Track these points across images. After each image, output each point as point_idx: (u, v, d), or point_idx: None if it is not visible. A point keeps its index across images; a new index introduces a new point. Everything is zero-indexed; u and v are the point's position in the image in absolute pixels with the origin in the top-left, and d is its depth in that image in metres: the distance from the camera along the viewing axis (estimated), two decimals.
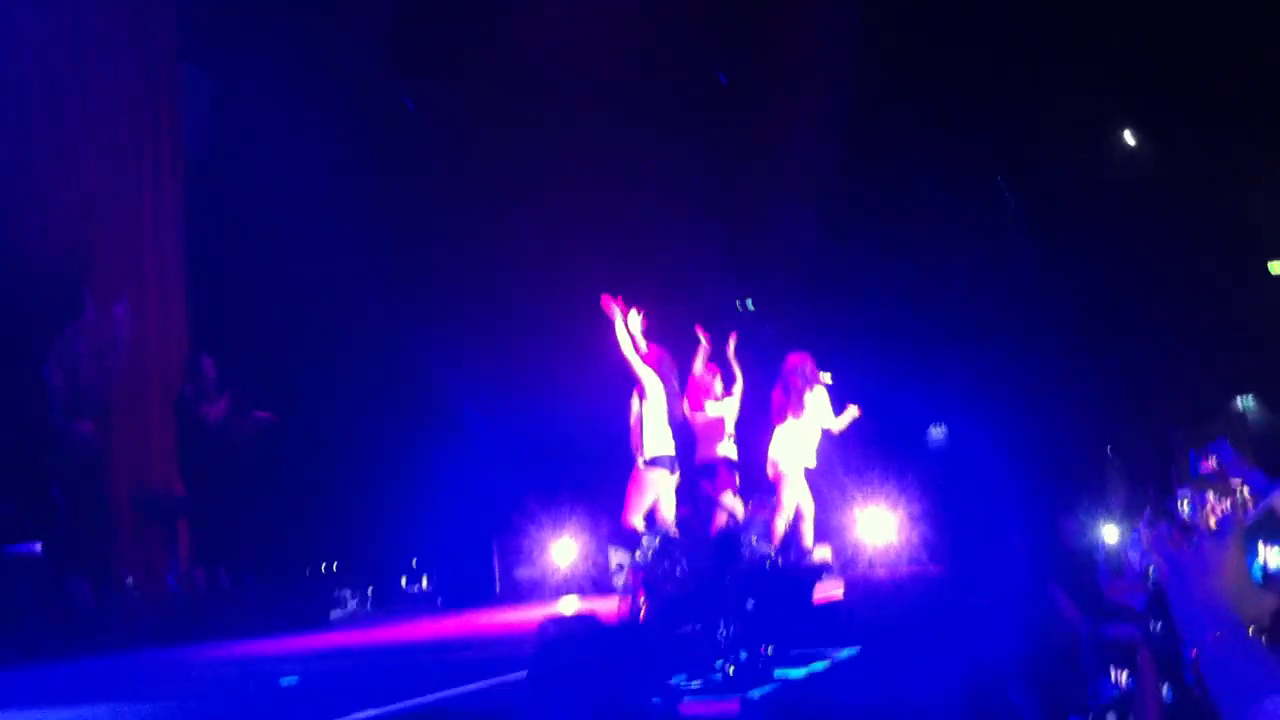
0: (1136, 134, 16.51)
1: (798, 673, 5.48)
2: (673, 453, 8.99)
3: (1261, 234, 16.03)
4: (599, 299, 8.91)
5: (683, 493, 9.23)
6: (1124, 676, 4.44)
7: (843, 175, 15.06)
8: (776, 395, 10.05)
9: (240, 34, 13.19)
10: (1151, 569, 2.98)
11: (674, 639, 5.68)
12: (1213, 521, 2.15)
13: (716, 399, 9.86)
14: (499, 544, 12.87)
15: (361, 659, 6.71)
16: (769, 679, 5.25)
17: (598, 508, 11.45)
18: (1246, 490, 2.86)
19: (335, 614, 11.56)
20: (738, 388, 9.97)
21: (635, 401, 9.01)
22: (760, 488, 9.93)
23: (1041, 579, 8.07)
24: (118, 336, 9.87)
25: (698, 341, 10.00)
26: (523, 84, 14.17)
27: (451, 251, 15.01)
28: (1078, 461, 16.80)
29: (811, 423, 9.99)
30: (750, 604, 5.75)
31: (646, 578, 6.15)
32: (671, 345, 9.45)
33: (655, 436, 8.87)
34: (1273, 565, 2.31)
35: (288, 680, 5.33)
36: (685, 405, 9.61)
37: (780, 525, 9.57)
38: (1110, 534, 11.69)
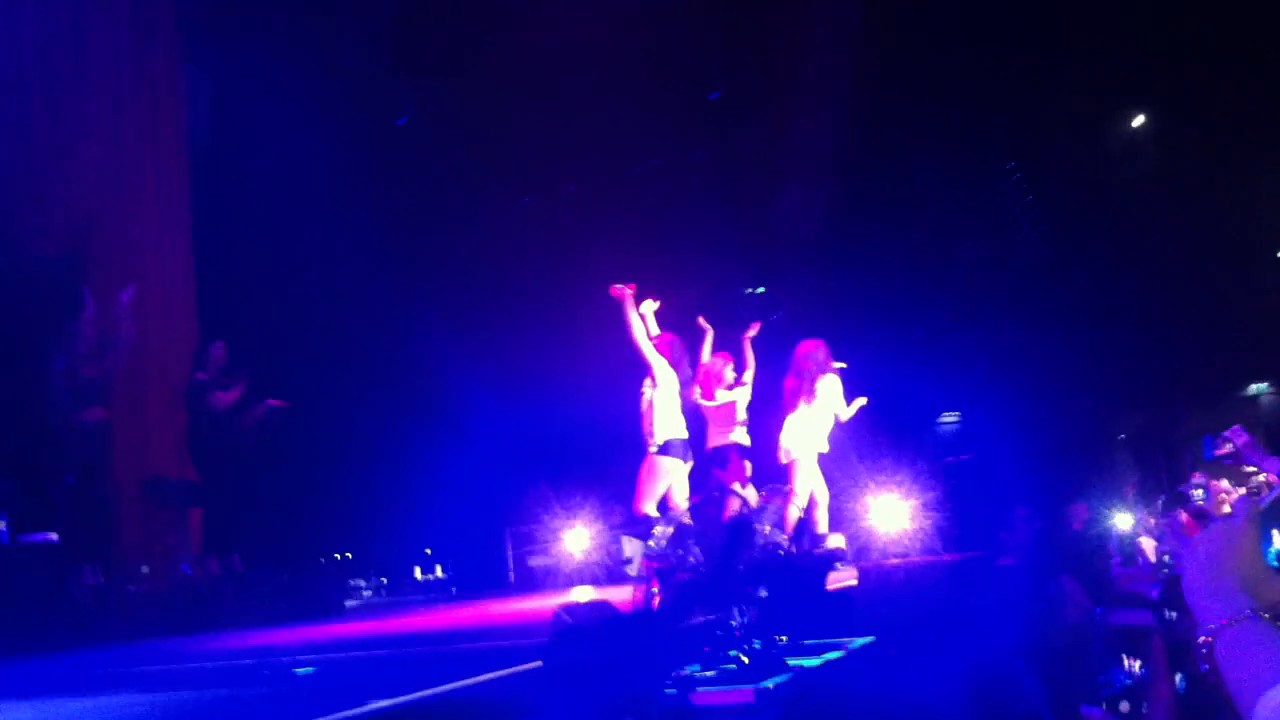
0: (1146, 116, 16.49)
1: (812, 662, 5.48)
2: (685, 440, 9.01)
3: (1275, 222, 16.01)
4: (611, 287, 8.92)
5: (695, 480, 9.24)
6: (1136, 666, 4.44)
7: (854, 163, 15.04)
8: (789, 382, 10.06)
9: (246, 31, 13.23)
10: (1167, 557, 2.98)
11: (687, 628, 5.68)
12: (1226, 507, 2.14)
13: (728, 386, 9.86)
14: (512, 533, 12.90)
15: (376, 648, 6.73)
16: (783, 668, 5.24)
17: (610, 496, 11.47)
18: (1261, 476, 2.86)
19: (350, 603, 11.60)
20: (749, 375, 9.97)
21: (647, 389, 9.02)
22: (773, 475, 9.94)
23: (1052, 567, 8.08)
24: (125, 326, 9.90)
25: (704, 330, 10.01)
26: (527, 75, 14.18)
27: (462, 240, 15.05)
28: (1090, 448, 16.79)
29: (824, 410, 10.00)
30: (763, 593, 5.76)
31: (659, 566, 6.16)
32: (682, 332, 9.47)
33: (667, 424, 8.88)
34: None
35: (303, 670, 5.35)
36: (697, 392, 9.62)
37: (793, 513, 9.57)
38: (1122, 521, 11.68)
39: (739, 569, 5.94)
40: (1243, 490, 2.72)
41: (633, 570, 9.98)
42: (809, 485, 9.81)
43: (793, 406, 9.95)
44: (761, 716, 4.74)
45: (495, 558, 13.11)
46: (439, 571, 14.05)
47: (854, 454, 10.72)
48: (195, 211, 12.43)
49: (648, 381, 8.96)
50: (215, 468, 10.26)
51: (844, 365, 10.08)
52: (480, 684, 4.41)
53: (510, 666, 4.55)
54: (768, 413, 10.15)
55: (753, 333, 10.14)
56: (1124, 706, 4.01)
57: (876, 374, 11.66)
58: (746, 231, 15.22)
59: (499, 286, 14.89)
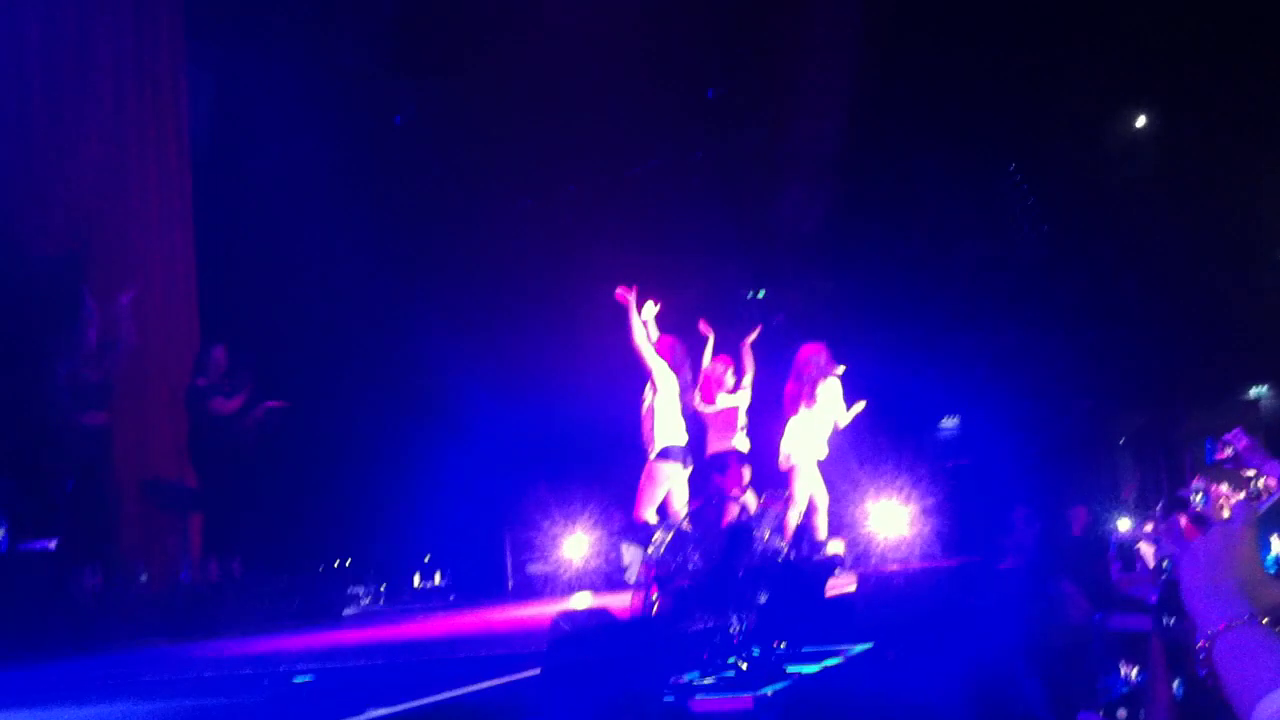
0: (1146, 117, 16.50)
1: (811, 669, 5.47)
2: (685, 445, 9.01)
3: (1275, 222, 16.01)
4: (611, 290, 8.93)
5: (695, 486, 9.24)
6: (1134, 672, 4.44)
7: (854, 163, 15.04)
8: (789, 387, 10.08)
9: (246, 31, 13.24)
10: (1166, 562, 2.97)
11: (686, 635, 5.67)
12: (1226, 512, 2.14)
13: (728, 391, 9.87)
14: (511, 539, 12.88)
15: (375, 656, 6.72)
16: (782, 675, 5.24)
17: (610, 502, 11.46)
18: (1262, 480, 2.85)
19: (349, 610, 11.58)
20: (749, 379, 9.98)
21: (648, 394, 9.03)
22: (772, 480, 9.94)
23: (1052, 569, 8.08)
24: (125, 328, 9.88)
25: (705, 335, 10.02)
26: (527, 75, 14.19)
27: (462, 240, 15.07)
28: (1090, 450, 16.79)
29: (824, 414, 10.01)
30: (763, 599, 5.75)
31: (659, 572, 6.15)
32: (682, 333, 9.48)
33: (667, 429, 8.89)
34: None
35: (302, 678, 5.34)
36: (697, 397, 9.62)
37: (793, 518, 9.57)
38: (1122, 525, 11.68)
39: (738, 575, 5.94)
40: (1242, 494, 2.71)
41: (631, 576, 9.98)
42: (809, 490, 9.83)
43: (793, 411, 9.97)
44: None
45: (494, 564, 13.10)
46: (437, 579, 14.03)
47: (854, 459, 10.72)
48: (196, 211, 12.43)
49: (649, 386, 8.96)
50: (215, 470, 10.24)
51: (844, 368, 10.09)
52: (479, 692, 4.40)
53: (509, 674, 4.55)
54: (768, 417, 10.15)
55: (753, 337, 10.16)
56: (1121, 714, 4.00)
57: (876, 376, 11.66)
58: (746, 232, 15.22)
59: (499, 286, 14.89)
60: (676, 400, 9.00)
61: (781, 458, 9.94)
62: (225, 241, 12.50)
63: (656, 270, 10.66)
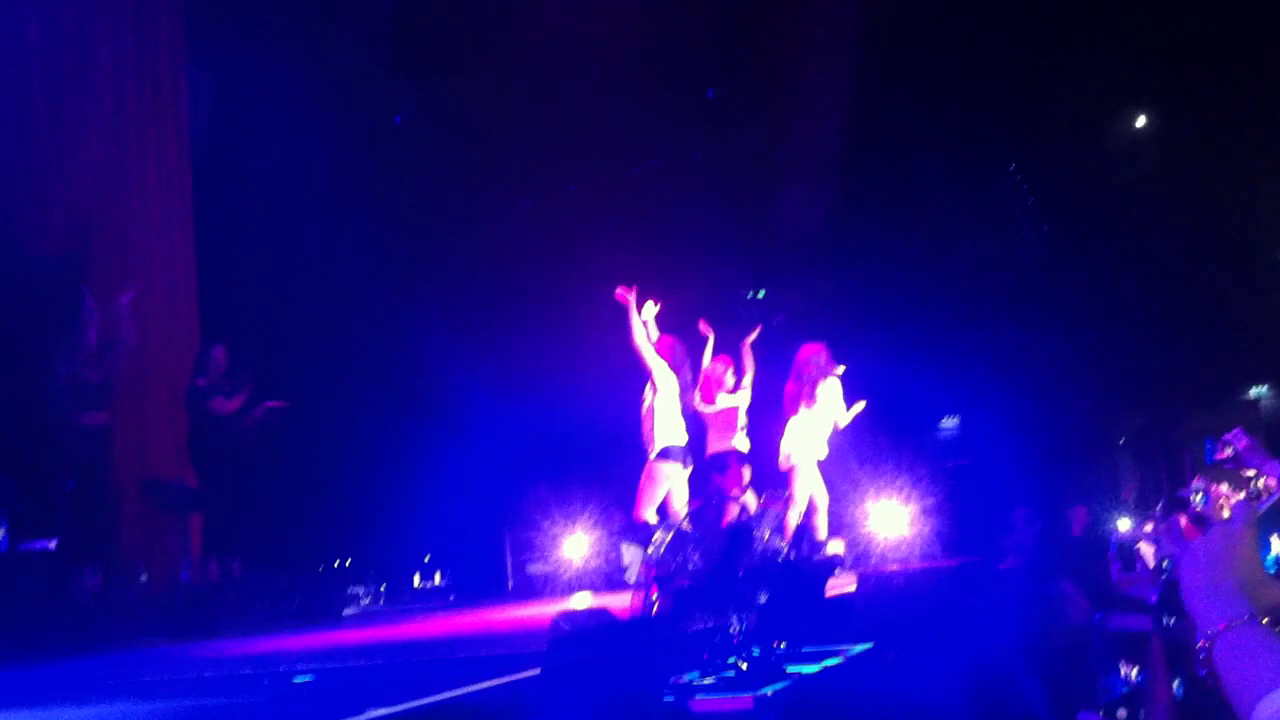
0: (1146, 117, 16.51)
1: (811, 669, 5.47)
2: (685, 445, 9.01)
3: (1275, 222, 16.01)
4: (611, 290, 8.92)
5: (695, 486, 9.24)
6: (1134, 672, 4.44)
7: (854, 163, 15.05)
8: (789, 387, 10.08)
9: (246, 31, 13.24)
10: (1166, 562, 2.97)
11: (686, 635, 5.67)
12: (1226, 512, 2.14)
13: (728, 391, 9.87)
14: (511, 539, 12.88)
15: (375, 656, 6.72)
16: (782, 675, 5.24)
17: (610, 502, 11.46)
18: (1262, 480, 2.85)
19: (349, 611, 11.58)
20: (749, 379, 9.98)
21: (648, 393, 9.03)
22: (773, 481, 9.94)
23: (1052, 569, 8.08)
24: (125, 328, 9.88)
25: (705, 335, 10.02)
26: (527, 75, 14.19)
27: (462, 240, 15.07)
28: (1090, 450, 16.79)
29: (824, 414, 10.01)
30: (763, 599, 5.75)
31: (659, 572, 6.16)
32: (682, 333, 9.48)
33: (667, 429, 8.90)
34: None
35: (302, 678, 5.34)
36: (697, 397, 9.62)
37: (793, 518, 9.57)
38: (1122, 525, 11.68)
39: (738, 575, 5.94)
40: (1242, 494, 2.71)
41: (631, 576, 9.98)
42: (809, 490, 9.83)
43: (793, 411, 9.97)
44: None
45: (494, 564, 13.09)
46: (437, 579, 14.03)
47: (854, 459, 10.73)
48: (196, 211, 12.43)
49: (649, 386, 8.96)
50: (215, 470, 10.24)
51: (844, 368, 10.09)
52: (479, 692, 4.40)
53: (509, 674, 4.55)
54: (768, 417, 10.15)
55: (753, 337, 10.15)
56: (1121, 714, 4.00)
57: (876, 376, 11.67)
58: (746, 232, 15.23)
59: (499, 286, 14.90)
60: (676, 400, 9.00)
61: (781, 458, 9.94)
62: (225, 241, 12.50)
63: (656, 270, 10.66)
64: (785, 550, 8.22)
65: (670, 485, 8.90)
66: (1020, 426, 14.97)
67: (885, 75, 14.41)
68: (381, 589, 13.18)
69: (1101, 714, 4.07)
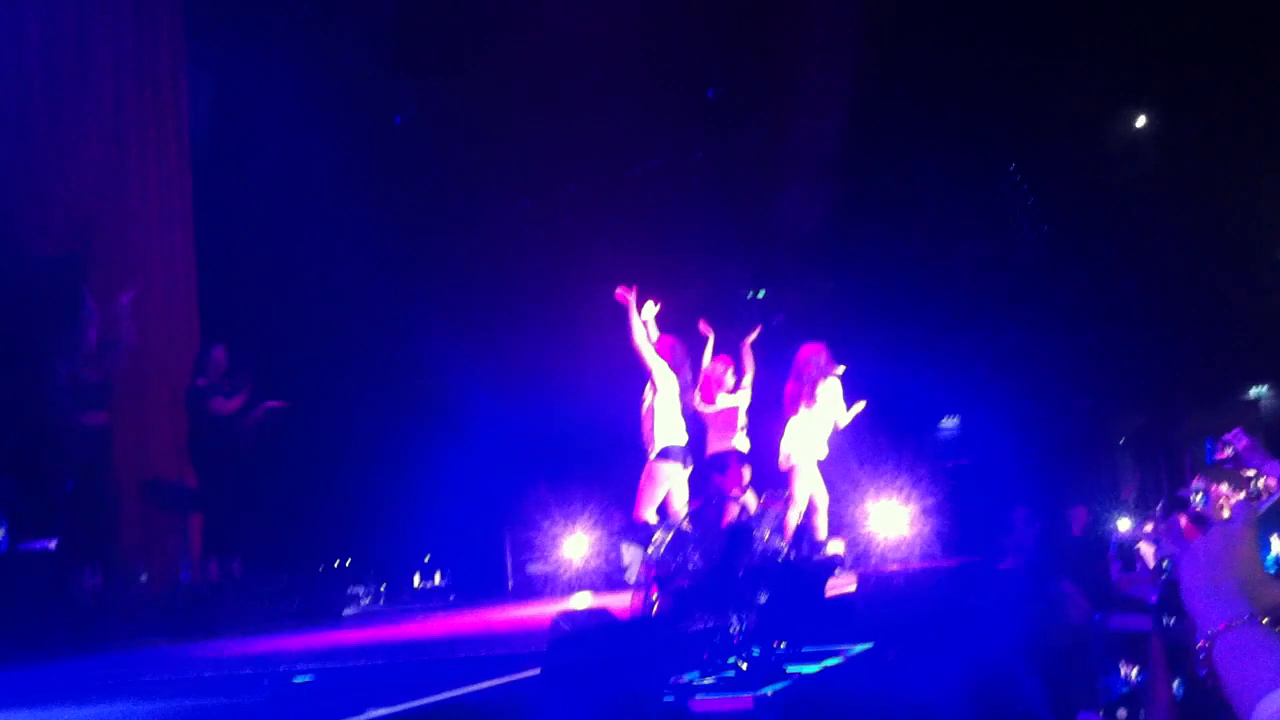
0: (1146, 117, 16.51)
1: (811, 668, 5.47)
2: (685, 445, 9.01)
3: (1275, 222, 16.01)
4: (611, 290, 8.92)
5: (695, 486, 9.24)
6: (1134, 672, 4.44)
7: (854, 163, 15.05)
8: (789, 387, 10.08)
9: (246, 31, 13.24)
10: (1166, 562, 2.97)
11: (686, 635, 5.67)
12: (1226, 512, 2.14)
13: (728, 391, 9.87)
14: (511, 539, 12.88)
15: (375, 656, 6.72)
16: (782, 675, 5.24)
17: (610, 502, 11.46)
18: (1262, 480, 2.85)
19: (349, 610, 11.58)
20: (749, 379, 9.98)
21: (648, 394, 9.03)
22: (773, 481, 9.94)
23: (1052, 569, 8.08)
24: (125, 328, 9.88)
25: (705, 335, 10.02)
26: (527, 75, 14.19)
27: (462, 240, 15.08)
28: (1090, 450, 16.79)
29: (824, 414, 10.01)
30: (763, 599, 5.76)
31: (659, 572, 6.16)
32: (682, 333, 9.47)
33: (667, 429, 8.90)
34: None
35: (302, 678, 5.34)
36: (697, 397, 9.63)
37: (793, 518, 9.57)
38: (1122, 525, 11.68)
39: (738, 575, 5.94)
40: (1242, 494, 2.70)
41: (631, 576, 9.98)
42: (809, 490, 9.83)
43: (793, 411, 9.97)
44: None
45: (494, 564, 13.09)
46: (437, 579, 14.03)
47: (854, 459, 10.73)
48: (196, 211, 12.43)
49: (649, 386, 8.96)
50: (215, 470, 10.24)
51: (844, 368, 10.09)
52: (479, 692, 4.40)
53: (509, 674, 4.55)
54: (768, 417, 10.15)
55: (753, 337, 10.15)
56: (1121, 714, 4.00)
57: (876, 376, 11.67)
58: (746, 232, 15.23)
59: (499, 286, 14.90)
60: (676, 400, 9.00)
61: (781, 458, 9.94)
62: (225, 241, 12.50)
63: (656, 270, 10.66)
64: (785, 550, 8.22)
65: (670, 485, 8.90)
66: (1020, 426, 14.97)
67: (885, 75, 14.41)
68: (381, 589, 13.17)
69: (1101, 714, 4.07)
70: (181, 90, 12.57)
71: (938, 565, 9.05)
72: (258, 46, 13.33)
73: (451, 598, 13.47)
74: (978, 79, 14.75)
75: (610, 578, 11.29)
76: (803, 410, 9.92)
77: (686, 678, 5.19)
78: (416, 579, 14.09)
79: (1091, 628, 6.84)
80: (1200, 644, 1.65)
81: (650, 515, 8.80)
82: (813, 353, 10.05)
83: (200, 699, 5.43)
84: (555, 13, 13.30)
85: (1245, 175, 15.14)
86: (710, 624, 5.72)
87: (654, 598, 6.01)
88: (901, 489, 10.43)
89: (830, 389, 10.04)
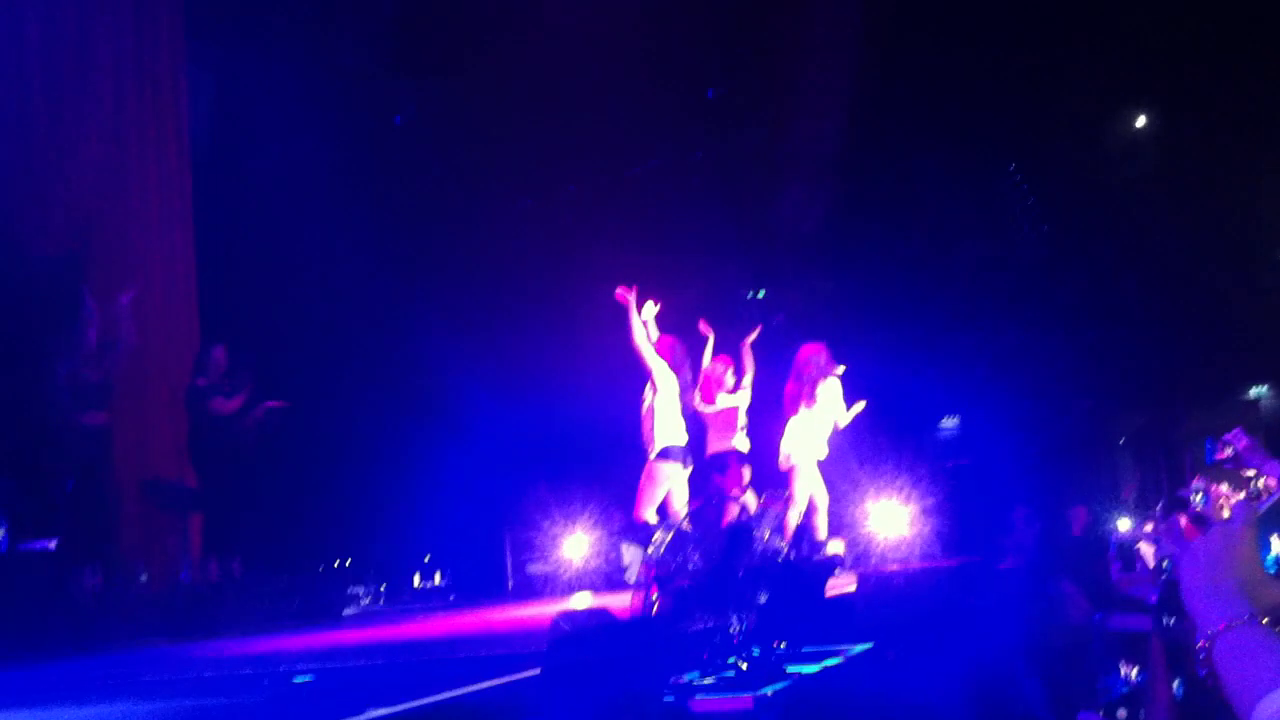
0: (1146, 117, 16.51)
1: (811, 668, 5.47)
2: (685, 445, 9.01)
3: (1275, 222, 16.02)
4: (611, 290, 8.92)
5: (695, 486, 9.24)
6: (1134, 672, 4.44)
7: (854, 163, 15.05)
8: (789, 387, 10.08)
9: (246, 31, 13.25)
10: (1166, 562, 2.97)
11: (686, 635, 5.67)
12: (1226, 512, 2.14)
13: (728, 391, 9.87)
14: (511, 539, 12.88)
15: (375, 656, 6.72)
16: (782, 675, 5.24)
17: (610, 502, 11.46)
18: (1262, 480, 2.85)
19: (349, 610, 11.58)
20: (749, 379, 9.98)
21: (648, 394, 9.03)
22: (773, 481, 9.94)
23: (1052, 569, 8.08)
24: (125, 328, 9.88)
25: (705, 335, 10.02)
26: (527, 75, 14.20)
27: (462, 240, 15.08)
28: (1090, 450, 16.79)
29: (824, 414, 10.01)
30: (763, 599, 5.76)
31: (659, 572, 6.15)
32: (682, 333, 9.47)
33: (667, 429, 8.90)
34: None
35: (302, 678, 5.34)
36: (697, 397, 9.63)
37: (793, 518, 9.57)
38: (1122, 525, 11.68)
39: (738, 575, 5.94)
40: (1242, 494, 2.70)
41: (631, 576, 9.98)
42: (809, 490, 9.82)
43: (793, 411, 9.97)
44: None
45: (494, 564, 13.09)
46: (437, 579, 14.03)
47: (854, 459, 10.72)
48: (196, 211, 12.43)
49: (649, 386, 8.96)
50: (215, 470, 10.24)
51: (844, 368, 10.09)
52: (479, 692, 4.40)
53: (509, 674, 4.55)
54: (768, 417, 10.15)
55: (753, 337, 10.15)
56: (1121, 714, 4.00)
57: (876, 376, 11.67)
58: (746, 232, 15.23)
59: (499, 286, 14.90)
60: (676, 400, 9.00)
61: (781, 458, 9.94)
62: (225, 241, 12.50)
63: (656, 270, 10.65)
64: (785, 550, 8.22)
65: (670, 485, 8.90)
66: (1020, 426, 14.97)
67: (885, 75, 14.40)
68: (381, 589, 13.17)
69: (1101, 714, 4.08)
70: (181, 90, 12.57)
71: (938, 565, 9.05)
72: (258, 46, 13.32)
73: (451, 598, 13.47)
74: (978, 79, 14.75)
75: (610, 578, 11.29)
76: (803, 410, 9.92)
77: (686, 678, 5.19)
78: (416, 579, 14.09)
79: (1091, 628, 6.84)
80: (1200, 644, 1.65)
81: (650, 515, 8.80)
82: (813, 353, 10.05)
83: (200, 699, 5.43)
84: (555, 13, 13.30)
85: (1245, 175, 15.14)
86: (710, 624, 5.72)
87: (654, 598, 6.01)
88: (901, 489, 10.43)
89: (830, 389, 10.04)
